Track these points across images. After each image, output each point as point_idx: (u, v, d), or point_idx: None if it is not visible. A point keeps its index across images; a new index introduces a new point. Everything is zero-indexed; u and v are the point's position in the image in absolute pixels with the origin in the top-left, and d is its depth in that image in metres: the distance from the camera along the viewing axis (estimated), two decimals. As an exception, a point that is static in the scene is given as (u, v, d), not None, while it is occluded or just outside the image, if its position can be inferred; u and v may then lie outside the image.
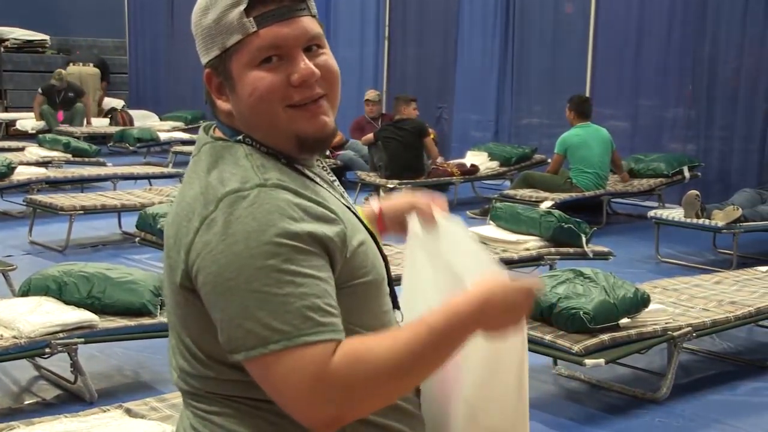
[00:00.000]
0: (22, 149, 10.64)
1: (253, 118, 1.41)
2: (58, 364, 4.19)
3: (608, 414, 4.08)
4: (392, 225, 1.71)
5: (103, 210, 7.23)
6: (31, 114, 13.98)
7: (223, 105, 1.45)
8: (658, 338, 4.09)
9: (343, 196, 1.50)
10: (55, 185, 8.89)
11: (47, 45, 16.10)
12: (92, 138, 12.67)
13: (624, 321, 4.02)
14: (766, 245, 7.44)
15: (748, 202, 7.03)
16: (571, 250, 5.75)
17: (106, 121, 14.85)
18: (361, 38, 12.59)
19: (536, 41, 10.68)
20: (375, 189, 8.87)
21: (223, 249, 1.30)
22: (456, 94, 11.45)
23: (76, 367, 3.98)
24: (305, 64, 1.39)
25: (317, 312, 1.28)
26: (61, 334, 3.84)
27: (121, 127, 13.41)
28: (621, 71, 9.81)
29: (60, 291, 4.14)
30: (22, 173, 8.46)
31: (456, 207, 8.46)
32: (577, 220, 5.85)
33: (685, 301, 4.64)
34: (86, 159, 10.30)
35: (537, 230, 5.77)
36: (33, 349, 3.80)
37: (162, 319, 4.02)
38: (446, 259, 1.53)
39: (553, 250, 5.71)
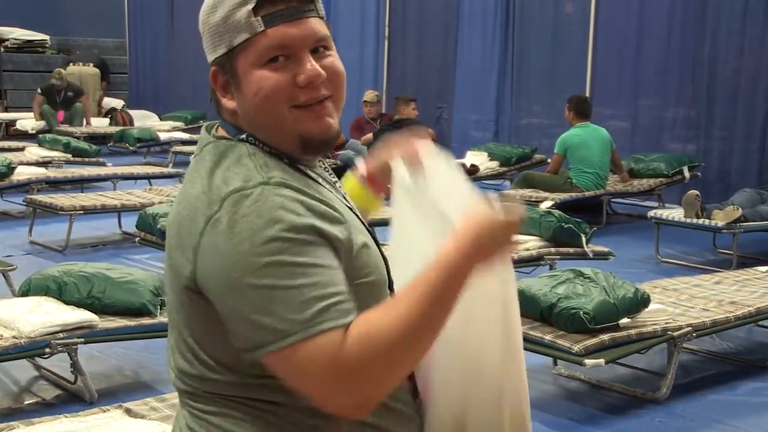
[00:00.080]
0: (22, 149, 10.64)
1: (258, 118, 1.41)
2: (58, 364, 4.19)
3: (608, 414, 4.08)
4: (384, 181, 1.68)
5: (103, 210, 7.23)
6: (31, 114, 13.98)
7: (227, 103, 1.45)
8: (658, 338, 4.09)
9: (344, 198, 1.50)
10: (55, 185, 8.89)
11: (47, 45, 16.09)
12: (92, 138, 12.66)
13: (624, 321, 4.02)
14: (766, 245, 7.44)
15: (748, 202, 7.03)
16: (571, 250, 5.75)
17: (106, 121, 14.84)
18: (361, 38, 12.58)
19: (536, 41, 10.68)
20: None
21: (230, 248, 1.30)
22: (456, 94, 11.44)
23: (76, 367, 3.98)
24: (312, 65, 1.40)
25: (330, 299, 1.29)
26: (61, 334, 3.84)
27: (121, 127, 13.41)
28: (621, 71, 9.81)
29: (60, 291, 4.14)
30: (22, 173, 8.46)
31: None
32: (577, 220, 5.86)
33: (685, 301, 4.64)
34: (86, 159, 10.30)
35: (537, 230, 5.77)
36: (33, 349, 3.81)
37: (162, 319, 4.02)
38: (434, 201, 1.50)
39: (553, 250, 5.71)
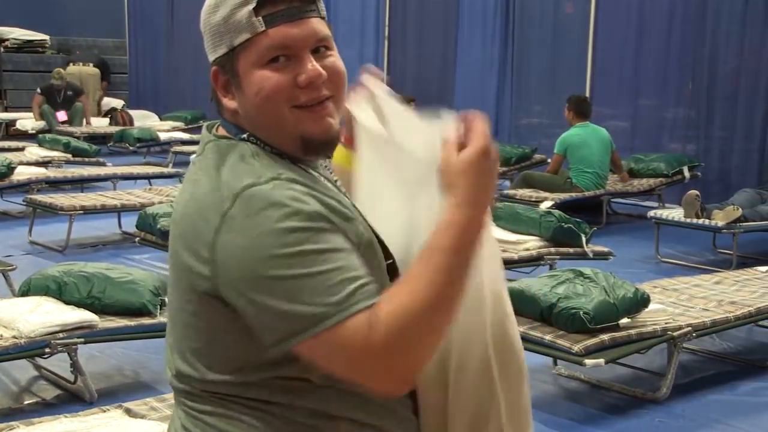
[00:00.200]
0: (22, 149, 10.64)
1: (259, 118, 1.41)
2: (58, 364, 4.19)
3: (608, 414, 4.08)
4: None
5: (103, 210, 7.23)
6: (31, 114, 13.98)
7: (228, 103, 1.45)
8: (658, 338, 4.09)
9: (346, 197, 1.50)
10: (55, 185, 8.89)
11: (47, 45, 16.09)
12: (92, 138, 12.66)
13: (624, 321, 4.01)
14: (766, 245, 7.44)
15: (748, 202, 7.03)
16: (571, 250, 5.75)
17: (106, 121, 14.84)
18: (361, 38, 12.59)
19: (536, 41, 10.68)
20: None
21: (251, 243, 1.29)
22: (456, 94, 11.45)
23: (76, 367, 3.98)
24: (312, 65, 1.40)
25: (357, 281, 1.30)
26: (61, 334, 3.84)
27: (121, 127, 13.41)
28: (621, 71, 9.81)
29: (60, 291, 4.14)
30: (22, 173, 8.46)
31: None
32: (577, 220, 5.86)
33: (685, 301, 4.64)
34: (86, 159, 10.31)
35: (537, 230, 5.77)
36: (33, 349, 3.81)
37: (162, 319, 4.02)
38: (398, 140, 1.50)
39: (553, 250, 5.71)
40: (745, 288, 4.98)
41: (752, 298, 4.75)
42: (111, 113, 15.08)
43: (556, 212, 6.02)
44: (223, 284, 1.32)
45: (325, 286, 1.28)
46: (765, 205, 7.06)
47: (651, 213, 7.28)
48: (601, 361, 3.80)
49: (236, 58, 1.40)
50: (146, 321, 4.07)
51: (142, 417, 3.11)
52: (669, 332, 4.10)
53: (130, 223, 6.99)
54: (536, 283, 4.13)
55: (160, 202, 6.94)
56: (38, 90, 13.83)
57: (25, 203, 7.48)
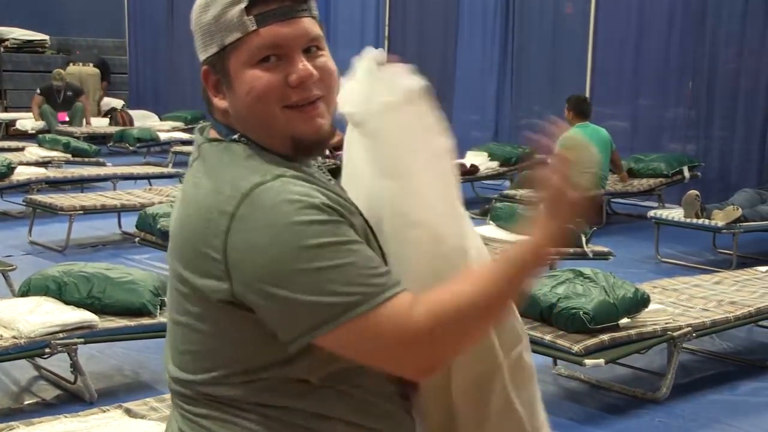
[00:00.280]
0: (22, 149, 10.63)
1: (250, 118, 1.41)
2: (58, 364, 4.19)
3: (608, 414, 4.08)
4: None
5: (103, 210, 7.23)
6: (31, 114, 13.98)
7: (219, 103, 1.44)
8: (657, 338, 4.09)
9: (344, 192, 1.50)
10: (55, 185, 8.88)
11: (47, 45, 16.08)
12: (92, 138, 12.65)
13: (624, 321, 4.02)
14: (766, 245, 7.44)
15: (748, 202, 7.03)
16: (571, 250, 5.74)
17: (106, 121, 14.84)
18: (361, 38, 12.57)
19: (536, 41, 10.68)
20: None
21: (268, 241, 1.29)
22: (456, 94, 11.45)
23: (76, 367, 3.98)
24: (303, 65, 1.39)
25: (379, 269, 1.32)
26: (61, 334, 3.84)
27: (121, 127, 13.40)
28: (621, 71, 9.81)
29: (60, 291, 4.14)
30: (21, 173, 8.46)
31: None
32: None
33: (685, 301, 4.64)
34: (86, 159, 10.30)
35: (537, 230, 5.76)
36: (33, 349, 3.81)
37: (162, 319, 4.02)
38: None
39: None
40: (745, 288, 4.98)
41: (752, 298, 4.75)
42: (111, 113, 15.07)
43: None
44: (237, 285, 1.31)
45: (351, 276, 1.29)
46: (765, 205, 7.06)
47: (651, 213, 7.28)
48: (601, 361, 3.80)
49: (227, 58, 1.40)
50: (146, 321, 4.07)
51: (142, 417, 3.11)
52: (669, 332, 4.10)
53: (130, 223, 6.99)
54: (536, 283, 4.13)
55: (160, 202, 6.93)
56: (38, 90, 13.82)
57: (25, 203, 7.48)
